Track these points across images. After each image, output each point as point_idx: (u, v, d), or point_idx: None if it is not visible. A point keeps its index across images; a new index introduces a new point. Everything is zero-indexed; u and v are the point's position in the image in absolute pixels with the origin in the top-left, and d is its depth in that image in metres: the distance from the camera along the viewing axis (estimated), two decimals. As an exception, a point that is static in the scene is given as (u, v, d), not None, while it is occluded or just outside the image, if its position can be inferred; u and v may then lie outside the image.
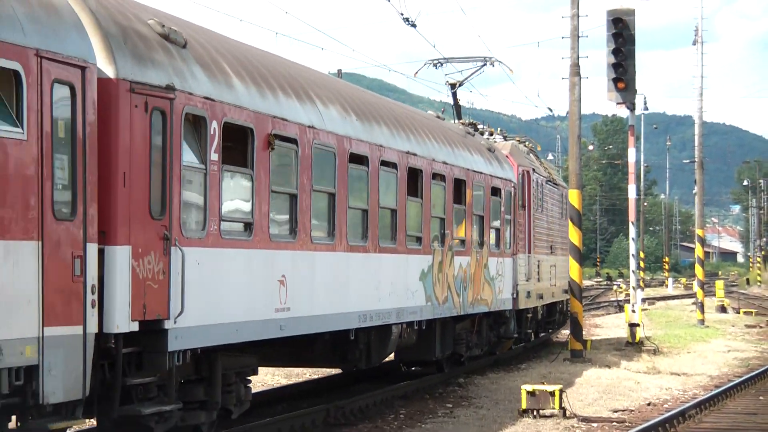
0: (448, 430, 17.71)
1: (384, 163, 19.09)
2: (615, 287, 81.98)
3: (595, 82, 37.65)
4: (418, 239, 20.88)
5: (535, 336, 32.66)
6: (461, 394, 22.27)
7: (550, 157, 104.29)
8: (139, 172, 12.34)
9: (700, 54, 49.73)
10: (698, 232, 49.08)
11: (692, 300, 55.15)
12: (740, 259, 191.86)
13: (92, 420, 13.14)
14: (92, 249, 11.50)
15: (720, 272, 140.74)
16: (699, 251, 48.43)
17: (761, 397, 22.49)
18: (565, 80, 30.51)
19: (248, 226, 14.71)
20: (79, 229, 11.27)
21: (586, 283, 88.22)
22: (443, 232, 22.18)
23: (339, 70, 30.20)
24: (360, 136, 18.16)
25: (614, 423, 18.54)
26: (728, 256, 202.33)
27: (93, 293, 11.50)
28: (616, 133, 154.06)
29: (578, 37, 30.58)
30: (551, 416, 18.75)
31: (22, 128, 10.58)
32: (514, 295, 27.16)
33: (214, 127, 13.78)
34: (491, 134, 30.12)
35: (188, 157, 13.32)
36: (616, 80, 30.49)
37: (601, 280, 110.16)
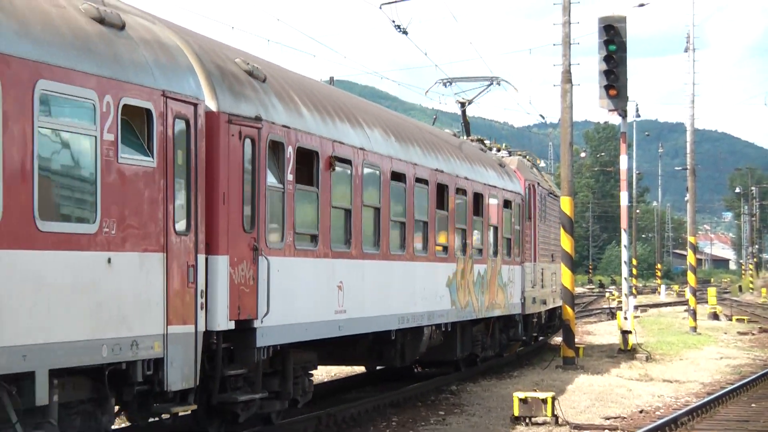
0: (440, 438, 17.69)
1: (418, 180, 21.33)
2: (607, 294, 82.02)
3: (587, 89, 37.88)
4: (445, 249, 23.12)
5: (535, 340, 34.44)
6: (453, 401, 22.25)
7: (542, 164, 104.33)
8: (234, 192, 14.52)
9: (692, 61, 49.84)
10: (690, 239, 49.11)
11: (684, 307, 55.22)
12: (732, 266, 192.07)
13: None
14: (201, 259, 13.68)
15: (712, 279, 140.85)
16: (691, 258, 48.48)
17: (753, 405, 22.49)
18: (557, 87, 30.52)
19: (314, 238, 16.92)
20: (192, 242, 13.47)
21: (579, 290, 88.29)
22: (464, 242, 24.40)
23: (331, 78, 30.11)
24: (399, 156, 20.50)
25: (606, 430, 18.54)
26: (720, 263, 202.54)
27: (202, 297, 13.64)
28: (608, 140, 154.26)
29: (570, 44, 30.57)
30: (543, 423, 18.73)
31: (152, 157, 12.74)
32: (522, 301, 29.31)
33: (290, 152, 16.06)
34: (498, 149, 32.05)
35: (270, 178, 15.52)
36: (607, 87, 30.48)
37: (593, 287, 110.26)
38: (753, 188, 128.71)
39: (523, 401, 18.94)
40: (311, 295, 16.69)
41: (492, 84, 35.60)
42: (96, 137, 11.90)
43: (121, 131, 12.21)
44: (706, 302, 60.33)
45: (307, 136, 16.59)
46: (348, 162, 18.02)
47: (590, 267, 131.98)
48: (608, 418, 20.04)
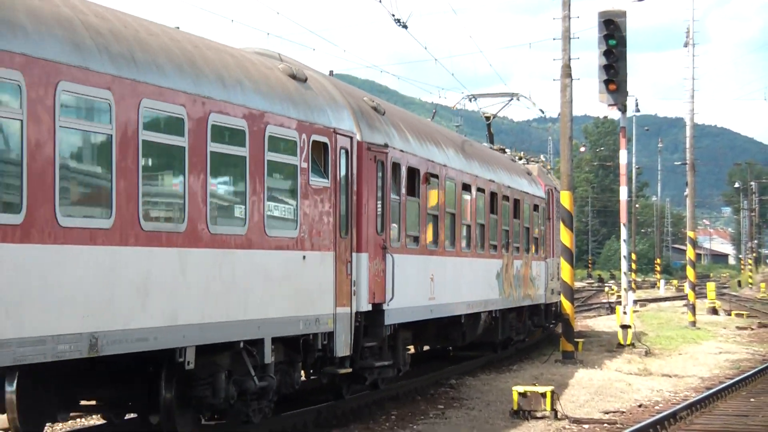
0: (439, 432, 17.72)
1: (478, 189, 25.98)
2: (607, 289, 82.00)
3: (586, 84, 38.31)
4: (495, 247, 27.65)
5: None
6: (453, 395, 22.27)
7: (542, 158, 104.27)
8: (371, 203, 18.74)
9: (692, 56, 49.81)
10: (689, 234, 49.13)
11: (684, 302, 55.24)
12: (731, 261, 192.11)
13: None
14: (354, 256, 17.97)
15: (711, 274, 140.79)
16: (690, 253, 48.49)
17: (752, 399, 22.52)
18: (557, 81, 30.51)
19: (416, 239, 21.35)
20: (349, 243, 17.84)
21: (578, 284, 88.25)
22: (507, 241, 28.86)
23: (331, 71, 30.06)
24: (466, 170, 24.99)
25: (605, 424, 18.55)
26: (719, 258, 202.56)
27: (354, 285, 17.87)
28: (607, 135, 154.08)
29: (569, 38, 30.56)
30: (543, 418, 18.77)
31: (327, 179, 17.05)
32: (545, 292, 33.60)
33: (404, 170, 20.56)
34: (520, 158, 36.11)
35: (392, 193, 19.88)
36: (607, 82, 30.48)
37: (592, 281, 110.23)
38: (752, 183, 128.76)
39: (523, 395, 18.97)
40: (415, 284, 21.08)
41: (512, 99, 39.80)
42: (297, 165, 16.16)
43: (310, 160, 16.47)
44: (705, 297, 60.32)
45: (413, 157, 21.13)
46: (436, 176, 22.58)
47: (590, 261, 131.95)
48: (607, 413, 20.08)
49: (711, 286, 62.15)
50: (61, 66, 11.54)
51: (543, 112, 62.37)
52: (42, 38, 11.36)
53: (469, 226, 25.08)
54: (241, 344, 14.83)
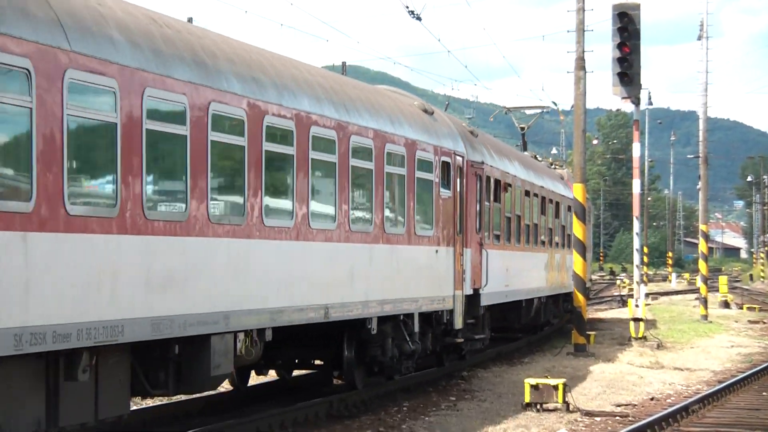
0: (451, 423, 17.71)
1: (534, 194, 31.40)
2: (618, 282, 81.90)
3: (599, 77, 38.41)
4: (543, 242, 32.82)
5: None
6: (464, 387, 22.29)
7: (554, 151, 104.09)
8: (472, 208, 23.69)
9: (705, 49, 49.71)
10: (702, 227, 49.03)
11: (695, 295, 55.18)
12: (743, 255, 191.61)
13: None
14: (464, 251, 22.84)
15: (723, 268, 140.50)
16: (702, 247, 48.41)
17: (764, 393, 22.49)
18: (570, 74, 30.45)
19: (498, 237, 26.65)
20: (461, 240, 22.69)
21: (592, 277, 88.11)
22: (551, 237, 34.21)
23: (343, 63, 30.13)
24: (526, 179, 30.47)
25: (617, 417, 18.54)
26: (731, 251, 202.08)
27: (463, 273, 22.60)
28: (620, 128, 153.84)
29: (583, 31, 30.48)
30: (554, 410, 18.76)
31: (450, 190, 21.99)
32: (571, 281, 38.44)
33: (493, 182, 26.00)
34: (551, 164, 41.07)
35: (484, 199, 24.88)
36: (621, 75, 30.39)
37: (604, 274, 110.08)
38: (765, 177, 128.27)
39: (535, 387, 18.97)
40: (497, 274, 25.76)
41: (543, 111, 46.49)
42: (433, 181, 21.08)
43: (440, 176, 21.32)
44: (717, 291, 60.25)
45: (497, 170, 26.34)
46: (510, 185, 27.78)
47: (601, 254, 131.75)
48: (619, 405, 20.07)
49: (723, 280, 62.11)
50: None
51: (556, 105, 62.33)
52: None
53: (528, 225, 30.45)
54: (401, 317, 19.80)
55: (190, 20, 15.87)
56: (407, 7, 31.51)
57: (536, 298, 31.56)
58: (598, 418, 18.36)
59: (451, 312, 21.99)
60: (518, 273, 28.75)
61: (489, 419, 18.07)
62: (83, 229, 11.61)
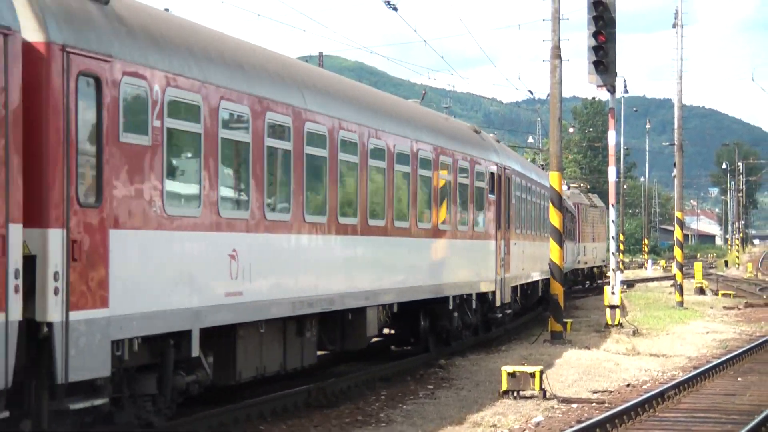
0: (429, 412, 17.78)
1: (530, 188, 36.07)
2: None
3: (575, 65, 38.61)
4: (573, 236, 46.28)
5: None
6: (442, 375, 22.37)
7: (530, 140, 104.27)
8: (503, 207, 29.03)
9: (680, 37, 49.78)
10: (677, 214, 49.25)
11: (671, 282, 55.44)
12: (719, 241, 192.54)
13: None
14: (501, 242, 28.21)
15: (698, 254, 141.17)
16: (678, 234, 48.65)
17: (739, 378, 22.67)
18: (546, 63, 30.56)
19: (518, 228, 31.57)
20: (501, 233, 28.28)
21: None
22: (577, 232, 48.80)
23: (320, 53, 30.21)
24: (535, 178, 36.47)
25: (594, 404, 18.65)
26: (707, 238, 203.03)
27: (502, 261, 28.27)
28: (596, 116, 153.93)
29: (559, 19, 30.59)
30: (531, 397, 18.86)
31: (494, 194, 27.56)
32: (571, 265, 49.56)
33: (510, 180, 30.28)
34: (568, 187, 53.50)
35: (512, 198, 30.61)
36: (596, 63, 30.48)
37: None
38: (739, 164, 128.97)
39: (512, 375, 19.06)
40: (518, 260, 31.05)
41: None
42: (484, 188, 26.36)
43: (489, 183, 26.90)
44: (693, 277, 60.57)
45: (514, 171, 30.96)
46: (521, 182, 33.01)
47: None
48: (596, 392, 20.19)
49: (698, 266, 62.37)
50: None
51: (532, 93, 62.38)
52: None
53: (535, 218, 35.48)
54: (464, 296, 25.17)
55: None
56: (383, -3, 31.50)
57: (541, 280, 37.03)
58: (574, 405, 18.47)
59: (493, 293, 27.59)
60: (531, 258, 34.22)
61: (466, 407, 18.16)
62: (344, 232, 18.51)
